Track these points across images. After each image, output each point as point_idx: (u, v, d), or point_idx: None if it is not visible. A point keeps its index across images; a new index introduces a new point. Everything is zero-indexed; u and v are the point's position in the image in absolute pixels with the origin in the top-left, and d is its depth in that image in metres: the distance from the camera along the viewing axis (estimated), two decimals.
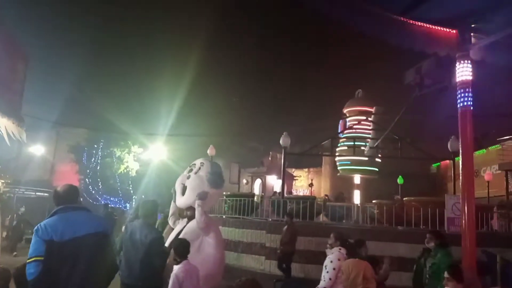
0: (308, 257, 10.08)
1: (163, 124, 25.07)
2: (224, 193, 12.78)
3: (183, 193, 5.52)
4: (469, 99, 6.08)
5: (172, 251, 4.66)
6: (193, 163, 5.92)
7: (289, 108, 30.50)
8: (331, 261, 4.86)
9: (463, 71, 6.01)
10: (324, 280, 4.79)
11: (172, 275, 4.33)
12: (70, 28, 26.19)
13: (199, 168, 5.66)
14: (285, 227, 10.03)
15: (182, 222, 5.63)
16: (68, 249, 3.30)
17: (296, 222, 10.85)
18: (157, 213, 5.84)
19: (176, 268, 4.41)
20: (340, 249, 5.07)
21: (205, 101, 27.76)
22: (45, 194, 20.46)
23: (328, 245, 5.38)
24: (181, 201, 5.58)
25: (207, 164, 5.77)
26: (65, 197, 3.64)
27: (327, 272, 4.83)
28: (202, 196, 5.26)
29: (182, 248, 4.54)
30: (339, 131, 19.32)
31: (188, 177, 5.63)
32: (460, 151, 6.22)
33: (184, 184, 5.60)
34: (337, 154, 19.15)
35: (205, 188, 5.40)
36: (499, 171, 18.86)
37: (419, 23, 5.94)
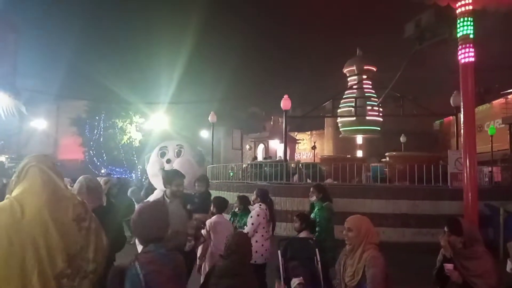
0: None
1: (164, 92, 24.91)
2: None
3: None
4: (471, 54, 5.89)
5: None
6: (162, 145, 5.91)
7: (289, 71, 30.15)
8: (251, 216, 5.36)
9: (464, 26, 5.80)
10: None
11: (207, 222, 5.04)
12: None
13: (180, 152, 5.73)
14: None
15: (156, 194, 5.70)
16: None
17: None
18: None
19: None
20: (260, 205, 5.52)
21: (206, 68, 27.48)
22: None
23: (251, 201, 5.78)
24: None
25: (188, 147, 6.02)
26: None
27: (246, 226, 5.40)
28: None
29: (218, 203, 5.30)
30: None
31: (168, 161, 5.64)
32: (462, 106, 6.11)
33: (164, 169, 5.61)
34: (338, 115, 19.01)
35: (195, 169, 5.83)
36: (503, 125, 18.70)
37: None
